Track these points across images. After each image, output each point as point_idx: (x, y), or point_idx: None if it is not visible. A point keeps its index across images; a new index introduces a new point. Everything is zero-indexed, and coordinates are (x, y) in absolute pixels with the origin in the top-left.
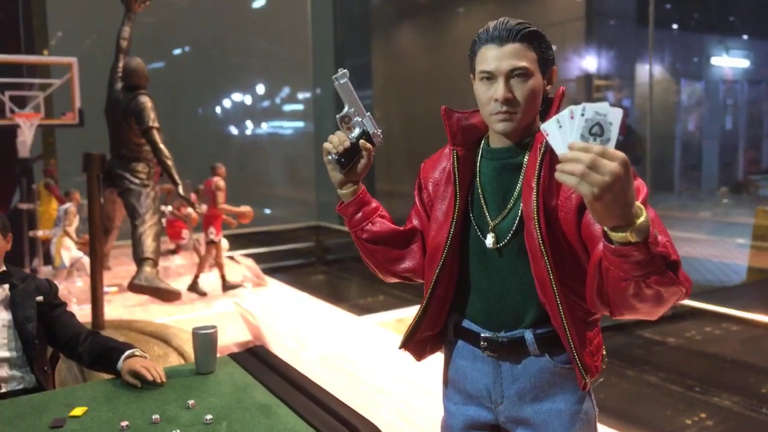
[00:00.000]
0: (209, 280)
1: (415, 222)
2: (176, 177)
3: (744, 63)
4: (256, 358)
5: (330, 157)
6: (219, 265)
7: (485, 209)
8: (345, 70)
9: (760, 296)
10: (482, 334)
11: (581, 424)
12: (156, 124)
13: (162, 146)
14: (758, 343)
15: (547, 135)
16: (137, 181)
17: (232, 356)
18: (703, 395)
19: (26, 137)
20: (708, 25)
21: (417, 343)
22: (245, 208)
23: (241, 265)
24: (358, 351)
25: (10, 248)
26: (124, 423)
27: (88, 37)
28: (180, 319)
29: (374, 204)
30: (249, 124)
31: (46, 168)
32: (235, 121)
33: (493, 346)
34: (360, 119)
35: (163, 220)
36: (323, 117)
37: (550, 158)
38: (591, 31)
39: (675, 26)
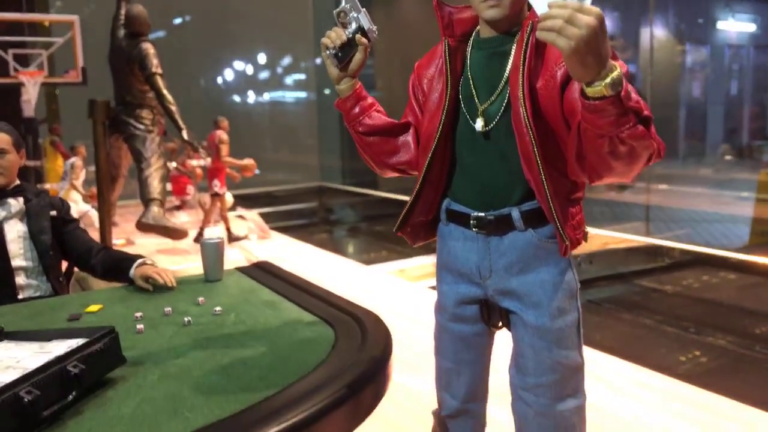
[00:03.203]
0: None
1: (410, 118)
2: (180, 122)
3: (750, 27)
4: (262, 270)
5: (328, 52)
6: (224, 218)
7: (475, 95)
8: None
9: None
10: (472, 214)
11: (563, 293)
12: (159, 71)
13: (165, 92)
14: (755, 290)
15: None
16: (142, 126)
17: (239, 269)
18: (697, 336)
19: (31, 95)
20: None
21: (412, 227)
22: (248, 161)
23: (246, 221)
24: (367, 294)
25: (23, 163)
26: (138, 314)
27: None
28: (187, 268)
29: (370, 100)
30: (251, 93)
31: (51, 126)
32: (238, 91)
33: (482, 224)
34: (356, 15)
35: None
36: (325, 85)
37: (536, 43)
38: None
39: None
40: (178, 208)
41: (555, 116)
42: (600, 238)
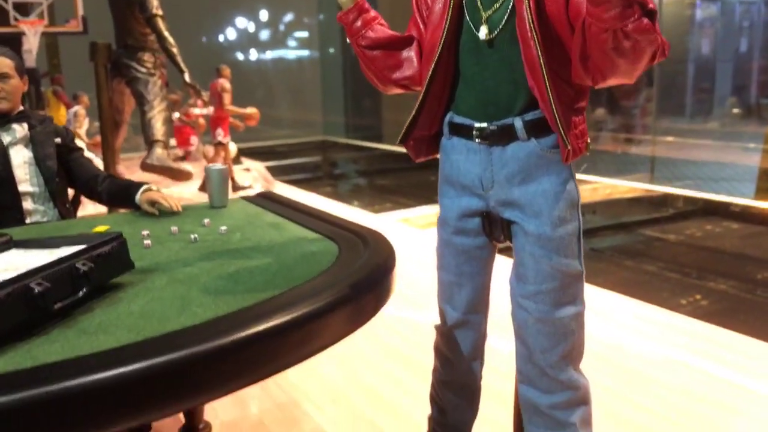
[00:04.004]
0: None
1: (413, 32)
2: (182, 65)
3: None
4: (267, 199)
5: None
6: (228, 167)
7: (479, 3)
8: None
9: None
10: (475, 125)
11: (564, 203)
12: (159, 12)
13: (166, 34)
14: (758, 238)
15: None
16: (144, 70)
17: (244, 198)
18: (699, 281)
19: (32, 45)
20: None
21: (415, 141)
22: (251, 110)
23: (250, 172)
24: None
25: (26, 89)
26: (145, 232)
27: None
28: None
29: (373, 13)
30: (254, 51)
31: (54, 76)
32: (240, 49)
33: (484, 134)
34: None
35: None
36: (328, 43)
37: None
38: None
39: None
40: (182, 158)
41: (560, 21)
42: (604, 189)
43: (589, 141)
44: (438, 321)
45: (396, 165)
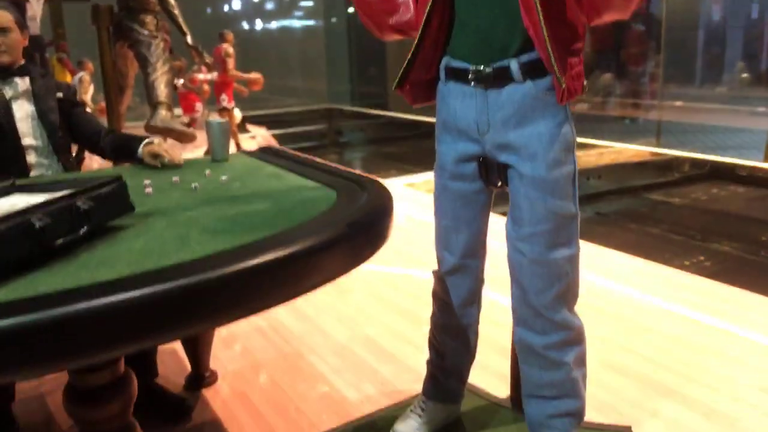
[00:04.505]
0: None
1: None
2: (184, 26)
3: None
4: (268, 153)
5: None
6: (233, 132)
7: None
8: None
9: None
10: (471, 68)
11: (559, 145)
12: None
13: None
14: (764, 201)
15: None
16: (146, 32)
17: (245, 152)
18: (703, 242)
19: (35, 12)
20: None
21: (411, 86)
22: (255, 75)
23: (255, 139)
24: None
25: (27, 44)
26: (147, 181)
27: None
28: None
29: None
30: (259, 21)
31: (58, 44)
32: (246, 18)
33: (480, 77)
34: None
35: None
36: (332, 11)
37: None
38: None
39: None
40: (188, 125)
41: None
42: (609, 154)
43: (585, 83)
44: (436, 267)
45: (401, 133)
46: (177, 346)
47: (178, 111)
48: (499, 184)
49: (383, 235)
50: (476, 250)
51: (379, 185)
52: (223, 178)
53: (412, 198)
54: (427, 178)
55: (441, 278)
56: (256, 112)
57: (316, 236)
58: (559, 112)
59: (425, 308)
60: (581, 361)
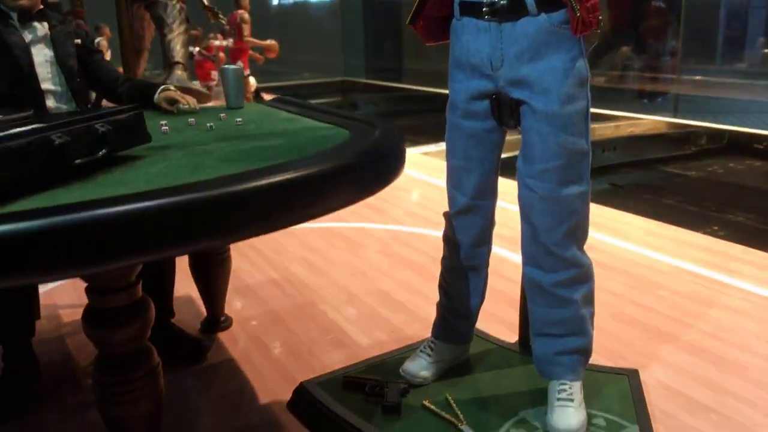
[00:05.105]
0: None
1: None
2: None
3: None
4: (282, 102)
5: None
6: (248, 100)
7: None
8: None
9: None
10: (485, 0)
11: (573, 80)
12: None
13: None
14: None
15: None
16: None
17: (259, 101)
18: (717, 213)
19: None
20: None
21: (425, 22)
22: (271, 42)
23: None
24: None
25: None
26: (163, 122)
27: None
28: None
29: None
30: None
31: (75, 10)
32: None
33: (494, 9)
34: None
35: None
36: None
37: None
38: None
39: None
40: None
41: None
42: (625, 127)
43: (601, 17)
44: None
45: (415, 106)
46: (194, 293)
47: (194, 81)
48: (512, 123)
49: (393, 169)
50: (487, 191)
51: (389, 126)
52: (238, 120)
53: (428, 164)
54: (442, 147)
55: (452, 219)
56: (273, 84)
57: (328, 162)
58: (573, 47)
59: (438, 264)
60: (589, 300)
